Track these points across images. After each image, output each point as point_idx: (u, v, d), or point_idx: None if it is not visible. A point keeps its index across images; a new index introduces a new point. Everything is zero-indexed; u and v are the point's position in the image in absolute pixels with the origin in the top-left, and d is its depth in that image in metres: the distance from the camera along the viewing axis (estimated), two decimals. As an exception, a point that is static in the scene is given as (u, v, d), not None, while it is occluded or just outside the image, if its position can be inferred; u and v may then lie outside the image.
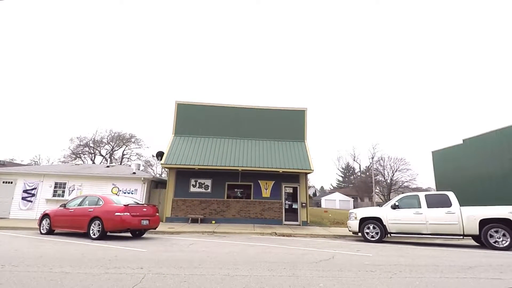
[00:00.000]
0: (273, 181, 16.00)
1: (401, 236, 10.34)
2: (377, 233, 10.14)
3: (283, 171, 15.13)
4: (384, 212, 10.27)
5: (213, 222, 15.05)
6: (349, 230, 10.94)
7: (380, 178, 60.25)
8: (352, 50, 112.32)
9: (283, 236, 11.78)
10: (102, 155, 44.42)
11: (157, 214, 9.98)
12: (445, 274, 5.04)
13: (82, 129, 78.79)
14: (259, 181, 15.97)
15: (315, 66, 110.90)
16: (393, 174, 58.16)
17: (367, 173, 70.83)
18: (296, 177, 16.15)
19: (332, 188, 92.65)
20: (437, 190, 39.19)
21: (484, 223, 8.86)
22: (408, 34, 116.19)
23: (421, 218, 9.64)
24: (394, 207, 10.20)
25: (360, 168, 73.98)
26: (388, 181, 59.98)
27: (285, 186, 16.18)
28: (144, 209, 9.63)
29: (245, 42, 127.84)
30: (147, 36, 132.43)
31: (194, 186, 15.71)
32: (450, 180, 34.97)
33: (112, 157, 44.71)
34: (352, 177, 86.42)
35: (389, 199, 63.23)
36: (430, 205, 9.76)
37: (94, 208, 9.27)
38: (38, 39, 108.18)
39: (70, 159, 41.93)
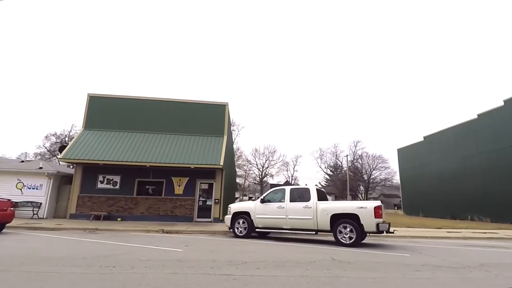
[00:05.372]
0: (187, 178, 16.31)
1: (280, 232, 10.50)
2: (245, 228, 10.49)
3: (195, 167, 15.44)
4: (253, 207, 10.61)
5: (119, 219, 15.34)
6: (226, 226, 11.28)
7: (359, 177, 60.89)
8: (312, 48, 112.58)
9: (169, 233, 12.07)
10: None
11: (11, 209, 10.25)
12: (242, 272, 5.18)
13: (59, 126, 79.06)
14: (172, 177, 16.28)
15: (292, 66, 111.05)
16: (371, 172, 58.80)
17: (348, 171, 71.60)
18: (212, 173, 16.48)
19: (320, 186, 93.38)
20: (401, 187, 39.91)
21: (335, 218, 9.22)
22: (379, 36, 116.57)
23: (283, 213, 9.99)
24: (263, 201, 10.53)
25: (341, 166, 74.79)
26: (366, 179, 60.56)
27: (200, 183, 16.51)
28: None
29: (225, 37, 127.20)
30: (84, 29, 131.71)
31: (101, 182, 15.99)
32: (413, 177, 35.72)
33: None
34: (340, 175, 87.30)
35: (367, 198, 64.09)
36: (292, 199, 10.08)
37: None
38: None
39: (45, 157, 42.06)
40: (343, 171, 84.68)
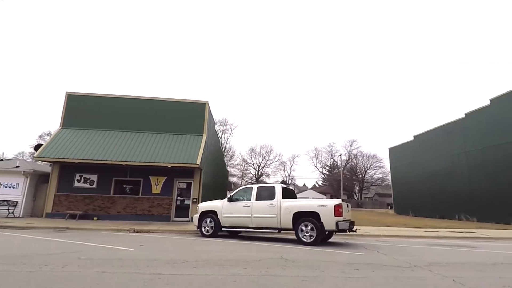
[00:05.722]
0: (165, 177, 16.25)
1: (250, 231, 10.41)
2: (211, 228, 10.44)
3: (172, 166, 15.38)
4: (221, 206, 10.55)
5: (95, 218, 15.29)
6: (194, 225, 11.22)
7: (354, 176, 60.87)
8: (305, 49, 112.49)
9: (139, 232, 11.99)
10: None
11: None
12: (174, 271, 5.09)
13: (54, 125, 79.01)
14: (150, 176, 16.22)
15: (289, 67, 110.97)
16: (365, 172, 58.70)
17: (345, 171, 71.55)
18: (191, 172, 16.43)
19: (318, 185, 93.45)
20: (392, 187, 39.87)
21: (297, 216, 9.17)
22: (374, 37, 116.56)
23: (248, 211, 9.93)
24: (230, 199, 10.47)
25: (337, 165, 74.88)
26: (360, 178, 60.61)
27: (178, 182, 16.46)
28: None
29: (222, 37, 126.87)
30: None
31: (78, 181, 15.93)
32: (403, 176, 35.68)
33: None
34: (336, 175, 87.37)
35: (361, 198, 64.08)
36: (259, 197, 10.03)
37: None
38: None
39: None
40: (338, 171, 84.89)
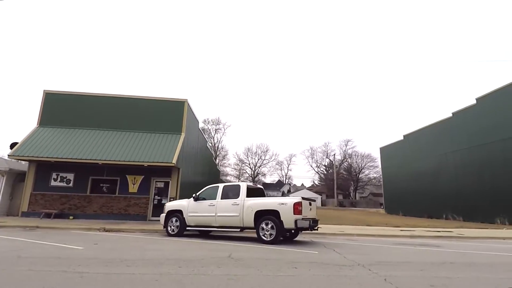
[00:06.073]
0: (142, 176, 16.19)
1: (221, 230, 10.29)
2: (177, 227, 10.38)
3: (148, 165, 15.32)
4: (187, 205, 10.50)
5: (71, 217, 15.24)
6: (161, 224, 11.15)
7: (348, 176, 60.87)
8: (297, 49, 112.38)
9: (108, 231, 11.89)
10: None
11: None
12: (102, 270, 5.05)
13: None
14: (127, 175, 16.16)
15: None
16: (359, 171, 58.65)
17: (342, 171, 71.50)
18: (168, 171, 16.36)
19: (316, 185, 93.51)
20: (383, 186, 39.79)
21: (259, 214, 9.10)
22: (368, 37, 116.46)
23: (213, 210, 9.87)
24: (197, 198, 10.41)
25: (332, 165, 75.02)
26: (354, 178, 60.61)
27: (156, 181, 16.41)
28: None
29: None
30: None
31: (55, 180, 15.87)
32: (394, 176, 35.63)
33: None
34: (332, 175, 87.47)
35: (355, 198, 64.04)
36: (224, 196, 9.97)
37: None
38: None
39: None
40: (335, 170, 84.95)
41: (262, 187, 11.56)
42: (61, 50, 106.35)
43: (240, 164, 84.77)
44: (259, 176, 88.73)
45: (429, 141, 29.00)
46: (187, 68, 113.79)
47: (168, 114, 17.36)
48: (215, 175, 37.47)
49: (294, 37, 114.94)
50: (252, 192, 10.27)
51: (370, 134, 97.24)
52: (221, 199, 9.93)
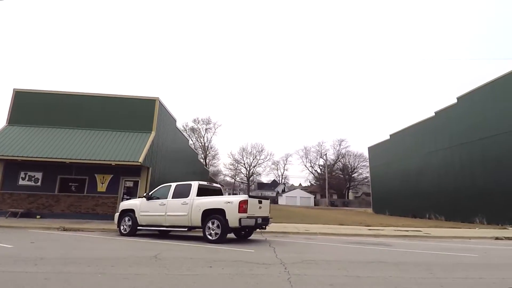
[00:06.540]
0: (111, 175, 16.08)
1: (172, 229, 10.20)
2: (129, 226, 10.29)
3: (116, 164, 15.21)
4: (139, 204, 10.40)
5: (38, 217, 15.13)
6: (115, 223, 11.03)
7: (341, 176, 60.75)
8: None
9: (67, 231, 11.81)
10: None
11: None
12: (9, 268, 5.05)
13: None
14: (95, 175, 16.05)
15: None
16: (352, 171, 58.50)
17: (337, 170, 71.37)
18: (138, 171, 16.26)
19: (310, 184, 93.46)
20: (371, 186, 39.68)
21: (207, 213, 9.01)
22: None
23: (163, 210, 9.78)
24: (149, 197, 10.31)
25: (326, 164, 74.87)
26: (347, 177, 60.49)
27: (125, 180, 16.31)
28: None
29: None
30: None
31: (23, 179, 15.77)
32: (381, 175, 35.53)
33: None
34: (329, 174, 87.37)
35: (348, 197, 63.89)
36: (175, 195, 9.86)
37: None
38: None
39: None
40: (333, 170, 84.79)
41: (219, 186, 11.47)
42: (43, 48, 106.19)
43: (235, 163, 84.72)
44: (254, 175, 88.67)
45: (414, 140, 28.91)
46: (183, 68, 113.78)
47: (139, 113, 17.24)
48: (202, 175, 37.29)
49: (288, 37, 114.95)
50: (207, 192, 10.18)
51: (363, 133, 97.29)
52: (172, 198, 9.83)
